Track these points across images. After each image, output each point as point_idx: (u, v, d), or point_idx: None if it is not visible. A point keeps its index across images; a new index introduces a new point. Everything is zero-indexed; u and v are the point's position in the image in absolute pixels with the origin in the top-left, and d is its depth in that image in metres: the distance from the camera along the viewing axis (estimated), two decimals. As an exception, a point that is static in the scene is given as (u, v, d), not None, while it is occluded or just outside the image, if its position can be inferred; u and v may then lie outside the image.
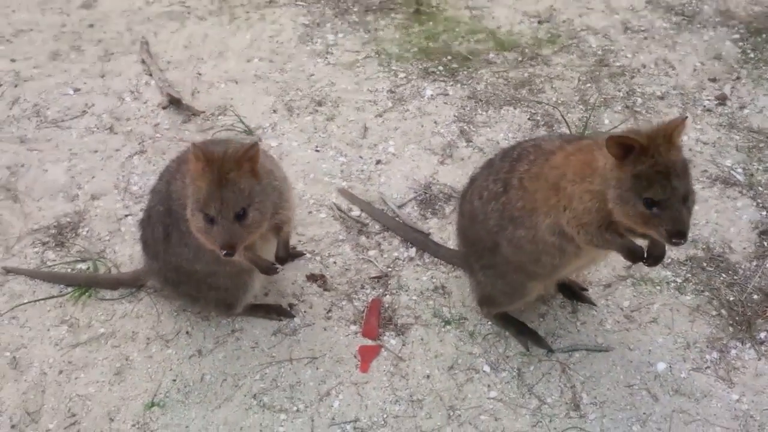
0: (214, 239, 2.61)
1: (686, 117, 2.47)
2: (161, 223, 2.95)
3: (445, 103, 4.33)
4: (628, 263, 2.92)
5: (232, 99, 4.39)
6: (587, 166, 2.56)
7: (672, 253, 3.45)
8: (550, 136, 2.95)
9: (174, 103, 4.32)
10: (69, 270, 3.48)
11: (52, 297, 3.36)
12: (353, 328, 3.24)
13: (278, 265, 2.93)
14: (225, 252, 2.58)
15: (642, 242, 2.66)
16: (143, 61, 4.65)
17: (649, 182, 2.40)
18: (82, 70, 4.62)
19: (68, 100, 4.40)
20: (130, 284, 3.40)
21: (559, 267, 2.83)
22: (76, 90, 4.47)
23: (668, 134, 2.41)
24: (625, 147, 2.41)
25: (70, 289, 3.39)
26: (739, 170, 3.84)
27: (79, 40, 4.86)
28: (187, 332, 3.24)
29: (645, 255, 2.66)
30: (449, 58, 4.66)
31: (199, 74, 4.58)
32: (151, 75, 4.55)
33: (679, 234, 2.40)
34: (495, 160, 2.98)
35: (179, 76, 4.55)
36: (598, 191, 2.53)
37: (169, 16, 5.06)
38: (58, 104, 4.37)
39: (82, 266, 3.50)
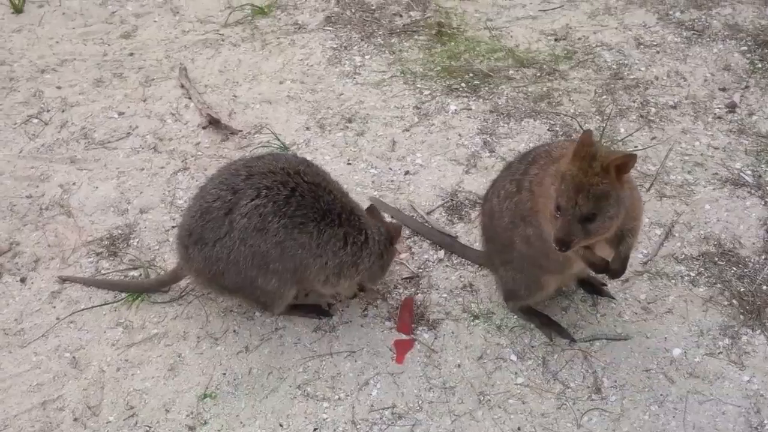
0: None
1: (634, 155, 2.64)
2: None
3: (469, 117, 4.58)
4: (644, 257, 3.11)
5: (267, 118, 4.66)
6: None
7: (685, 249, 3.67)
8: (563, 143, 3.17)
9: (213, 123, 4.59)
10: (122, 277, 3.74)
11: (107, 303, 3.60)
12: (388, 324, 3.47)
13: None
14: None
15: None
16: (182, 86, 4.93)
17: (563, 190, 2.63)
18: (124, 95, 4.89)
19: (113, 123, 4.66)
20: (170, 282, 3.61)
21: (566, 264, 3.04)
22: (120, 113, 4.73)
23: (607, 163, 2.57)
24: (577, 148, 2.62)
25: (124, 294, 3.62)
26: (748, 172, 4.05)
27: (121, 67, 5.14)
28: (234, 331, 3.48)
29: (607, 267, 2.91)
30: (471, 75, 4.91)
31: (235, 96, 4.86)
32: (190, 98, 4.83)
33: (559, 241, 2.65)
34: (514, 162, 3.22)
35: (216, 99, 4.83)
36: None
37: (204, 43, 5.34)
38: (104, 127, 4.63)
39: (135, 273, 3.75)
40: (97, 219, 4.04)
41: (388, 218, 3.92)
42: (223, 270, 3.22)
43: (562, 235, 2.65)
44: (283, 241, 3.13)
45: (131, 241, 3.92)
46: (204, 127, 4.61)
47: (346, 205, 3.25)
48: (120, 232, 3.96)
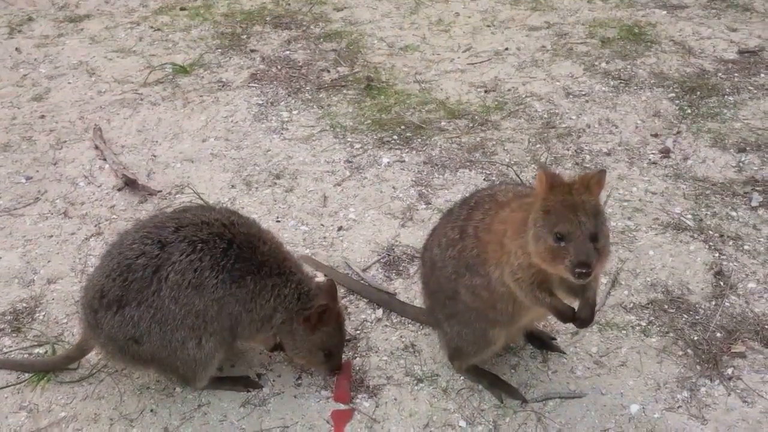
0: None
1: (604, 170, 2.57)
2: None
3: (402, 169, 4.41)
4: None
5: (189, 177, 4.41)
6: (523, 223, 2.62)
7: (633, 297, 3.52)
8: (506, 186, 3.01)
9: (129, 184, 4.31)
10: (26, 355, 3.36)
11: (9, 385, 3.22)
12: (324, 393, 3.18)
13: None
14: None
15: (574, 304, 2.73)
16: (96, 147, 4.66)
17: (559, 217, 2.48)
18: (33, 159, 4.61)
19: (20, 189, 4.37)
20: (78, 356, 3.27)
21: (516, 314, 2.85)
22: (28, 178, 4.45)
23: (586, 182, 2.51)
24: (541, 181, 2.52)
25: (28, 375, 3.26)
26: (689, 216, 3.97)
27: (30, 130, 4.87)
28: (152, 410, 3.13)
29: (574, 316, 2.71)
30: (403, 127, 4.78)
31: (154, 156, 4.60)
32: (104, 159, 4.56)
33: (581, 264, 2.44)
34: (454, 208, 3.05)
35: (134, 159, 4.57)
36: (527, 245, 2.59)
37: (121, 103, 5.11)
38: (10, 193, 4.33)
39: (40, 350, 3.39)
40: (-1, 291, 3.68)
41: (320, 278, 3.67)
42: (141, 335, 2.92)
43: (585, 257, 2.43)
44: (221, 298, 2.90)
45: (37, 314, 3.57)
46: (120, 189, 4.33)
47: (278, 256, 3.03)
48: (24, 305, 3.61)
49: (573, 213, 2.48)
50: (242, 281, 2.91)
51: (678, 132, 4.65)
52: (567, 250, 2.46)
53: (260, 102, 5.06)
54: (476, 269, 2.79)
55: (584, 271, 2.44)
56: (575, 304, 2.74)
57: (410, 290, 3.63)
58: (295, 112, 4.96)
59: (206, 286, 2.87)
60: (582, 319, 2.72)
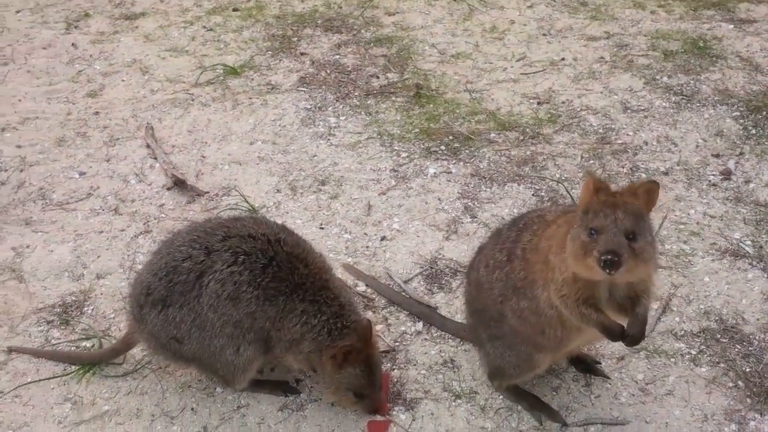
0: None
1: (656, 181, 2.48)
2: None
3: (449, 180, 4.37)
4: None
5: (235, 180, 4.44)
6: (567, 237, 2.56)
7: (684, 324, 3.42)
8: (555, 206, 2.96)
9: (178, 184, 4.36)
10: (74, 348, 3.42)
11: (56, 376, 3.29)
12: (362, 404, 3.16)
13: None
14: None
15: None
16: (148, 146, 4.72)
17: (595, 214, 2.41)
18: (87, 154, 4.68)
19: (73, 184, 4.44)
20: (123, 349, 3.31)
21: (564, 340, 2.78)
22: (82, 174, 4.52)
23: (633, 190, 2.46)
24: (594, 186, 2.46)
25: (74, 367, 3.32)
26: (748, 242, 3.84)
27: (85, 126, 4.95)
28: (192, 409, 3.15)
29: (623, 333, 2.61)
30: (451, 138, 4.73)
31: (203, 157, 4.64)
32: (155, 158, 4.61)
33: (608, 252, 2.33)
34: (503, 229, 2.99)
35: (183, 159, 4.61)
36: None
37: (173, 103, 5.16)
38: (64, 187, 4.41)
39: (87, 344, 3.44)
40: (49, 284, 3.76)
41: (362, 287, 3.66)
42: (183, 335, 2.95)
43: (612, 246, 2.33)
44: (254, 312, 2.91)
45: (85, 308, 3.63)
46: (169, 189, 4.37)
47: (318, 282, 2.98)
48: (74, 298, 3.67)
49: (611, 209, 2.40)
50: (275, 300, 2.91)
51: (741, 153, 4.49)
52: (596, 242, 2.38)
53: (308, 106, 5.06)
54: (524, 292, 2.74)
55: (610, 258, 2.32)
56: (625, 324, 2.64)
57: (451, 305, 3.58)
58: (342, 118, 4.95)
59: (242, 300, 2.88)
60: (632, 335, 2.60)
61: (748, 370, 3.21)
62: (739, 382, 3.16)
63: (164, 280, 2.94)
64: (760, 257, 3.75)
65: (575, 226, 2.48)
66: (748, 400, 3.10)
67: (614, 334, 2.60)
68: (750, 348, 3.30)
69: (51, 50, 5.80)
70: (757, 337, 3.35)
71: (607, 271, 2.34)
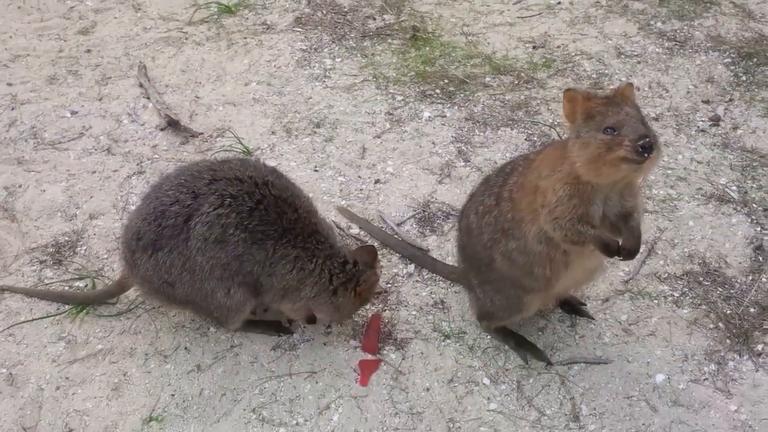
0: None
1: (631, 83, 2.55)
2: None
3: (443, 124, 4.37)
4: (625, 276, 2.90)
5: (230, 121, 4.43)
6: (559, 158, 2.59)
7: (668, 267, 3.49)
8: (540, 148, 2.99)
9: (172, 124, 4.35)
10: (67, 288, 3.47)
11: (49, 316, 3.34)
12: (353, 343, 3.23)
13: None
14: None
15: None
16: (141, 85, 4.69)
17: (605, 115, 2.44)
18: (79, 93, 4.66)
19: (65, 123, 4.42)
20: (118, 292, 3.36)
21: (552, 279, 2.83)
22: (74, 113, 4.50)
23: (620, 91, 2.52)
24: (574, 100, 2.51)
25: (67, 306, 3.37)
26: (734, 188, 3.88)
27: (77, 65, 4.91)
28: (186, 348, 3.23)
29: (619, 248, 2.65)
30: (446, 81, 4.72)
31: (197, 97, 4.62)
32: (148, 98, 4.59)
33: (643, 137, 2.35)
34: (491, 175, 3.02)
35: (177, 99, 4.59)
36: (567, 174, 2.56)
37: (166, 41, 5.11)
38: (56, 126, 4.39)
39: (80, 284, 3.49)
40: (42, 224, 3.79)
41: (355, 230, 3.69)
42: (174, 279, 2.98)
43: (643, 131, 2.37)
44: (241, 255, 2.92)
45: (78, 249, 3.66)
46: (162, 129, 4.37)
47: (307, 227, 3.01)
48: (66, 239, 3.70)
49: (618, 107, 2.45)
50: (262, 244, 2.92)
51: (730, 99, 4.50)
52: (622, 134, 2.39)
53: (304, 47, 5.02)
54: (512, 233, 2.78)
55: (647, 143, 2.35)
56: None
57: (443, 247, 3.63)
58: (338, 60, 4.92)
59: (228, 242, 2.89)
60: (628, 249, 2.65)
61: (728, 312, 3.29)
62: (720, 324, 3.25)
63: (153, 224, 2.95)
64: (744, 202, 3.80)
65: (582, 133, 2.47)
66: (728, 341, 3.18)
67: (611, 248, 2.63)
68: (731, 291, 3.38)
69: (42, -14, 5.71)
70: (738, 280, 3.42)
71: (646, 155, 2.36)
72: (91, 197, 3.93)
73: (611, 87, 4.58)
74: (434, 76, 4.75)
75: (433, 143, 4.24)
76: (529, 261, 2.79)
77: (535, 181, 2.68)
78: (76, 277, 3.52)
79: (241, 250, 2.91)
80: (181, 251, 2.92)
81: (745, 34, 5.05)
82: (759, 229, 3.66)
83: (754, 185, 3.91)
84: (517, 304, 2.99)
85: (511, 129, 4.32)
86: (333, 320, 3.26)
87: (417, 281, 3.49)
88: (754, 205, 3.78)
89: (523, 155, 2.99)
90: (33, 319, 3.33)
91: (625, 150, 2.37)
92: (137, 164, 4.13)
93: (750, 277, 3.43)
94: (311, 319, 3.26)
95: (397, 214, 3.82)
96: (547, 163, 2.66)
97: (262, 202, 2.93)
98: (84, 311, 3.35)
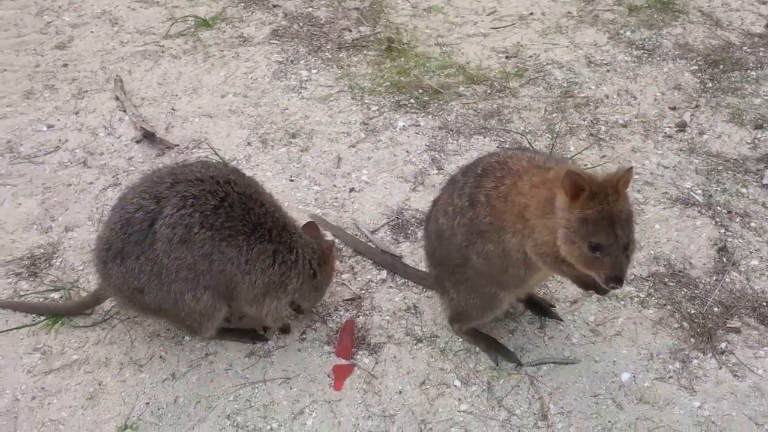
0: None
1: (632, 167, 2.60)
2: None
3: (417, 133, 4.44)
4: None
5: (206, 133, 4.47)
6: (548, 203, 2.64)
7: (635, 270, 3.56)
8: (515, 153, 2.98)
9: (148, 137, 4.39)
10: (42, 299, 3.49)
11: (25, 326, 3.36)
12: (327, 348, 3.27)
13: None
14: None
15: None
16: (117, 98, 4.73)
17: (595, 228, 2.52)
18: (55, 107, 4.69)
19: (41, 137, 4.45)
20: (92, 304, 3.38)
21: (526, 278, 2.91)
22: (50, 126, 4.53)
23: (614, 184, 2.53)
24: (577, 187, 2.51)
25: (43, 318, 3.39)
26: (699, 192, 3.97)
27: (53, 79, 4.93)
28: (161, 357, 3.25)
29: (595, 284, 2.74)
30: (420, 91, 4.79)
31: (174, 110, 4.66)
32: (125, 111, 4.62)
33: (616, 279, 2.55)
34: (457, 176, 3.04)
35: (153, 112, 4.64)
36: (553, 228, 2.63)
37: (143, 55, 5.15)
38: (32, 140, 4.42)
39: (55, 295, 3.51)
40: (18, 237, 3.81)
41: (329, 237, 3.74)
42: (143, 285, 3.00)
43: (619, 273, 2.55)
44: (210, 254, 2.94)
45: (54, 260, 3.69)
46: (138, 141, 4.41)
47: (278, 220, 3.07)
48: (42, 251, 3.73)
49: (610, 225, 2.52)
50: (233, 240, 2.95)
51: (696, 106, 4.60)
52: (602, 262, 2.54)
53: (280, 59, 5.08)
54: (489, 236, 2.82)
55: (618, 281, 2.54)
56: None
57: (416, 253, 3.69)
58: (314, 71, 4.98)
59: (194, 241, 2.91)
60: (603, 288, 2.74)
61: (693, 311, 3.37)
62: (684, 323, 3.32)
63: (120, 233, 2.98)
64: (708, 205, 3.89)
65: (572, 229, 2.55)
66: (692, 339, 3.26)
67: (588, 285, 2.79)
68: (696, 291, 3.46)
69: (19, 1, 5.74)
70: (702, 281, 3.50)
71: (611, 288, 2.60)
72: (66, 210, 3.96)
73: (582, 95, 4.68)
74: (409, 87, 4.83)
75: (407, 152, 4.30)
76: (505, 263, 2.85)
77: (521, 209, 2.72)
78: (52, 288, 3.54)
79: (208, 248, 2.93)
80: (148, 256, 2.95)
81: (712, 41, 5.16)
82: (723, 230, 3.74)
83: (719, 188, 4.00)
84: (492, 301, 3.03)
85: (484, 137, 4.39)
86: (316, 302, 3.32)
87: (390, 287, 3.55)
88: (719, 208, 3.87)
89: (496, 156, 2.97)
90: (9, 329, 3.35)
91: (598, 277, 2.57)
92: (113, 176, 4.17)
93: (714, 278, 3.51)
94: (286, 329, 3.30)
95: (372, 221, 3.88)
96: (537, 202, 2.69)
97: (225, 199, 2.95)
98: (59, 322, 3.37)
